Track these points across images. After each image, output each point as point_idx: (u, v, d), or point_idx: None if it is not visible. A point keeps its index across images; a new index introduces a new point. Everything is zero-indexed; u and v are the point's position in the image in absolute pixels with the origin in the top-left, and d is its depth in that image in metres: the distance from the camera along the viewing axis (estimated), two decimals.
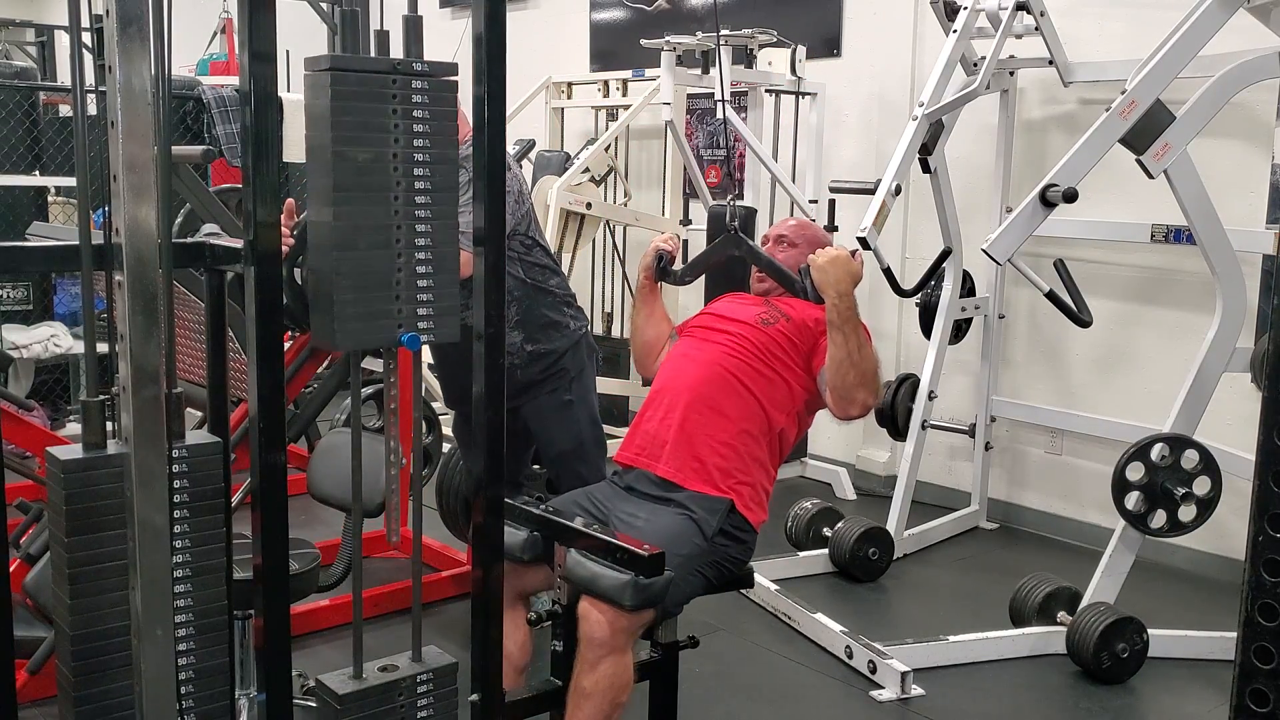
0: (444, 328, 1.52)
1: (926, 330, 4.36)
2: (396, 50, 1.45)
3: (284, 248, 2.72)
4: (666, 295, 3.28)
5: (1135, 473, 3.20)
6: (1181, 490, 3.18)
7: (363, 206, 1.44)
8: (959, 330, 4.47)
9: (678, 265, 2.90)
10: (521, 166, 5.53)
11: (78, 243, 1.42)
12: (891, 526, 4.08)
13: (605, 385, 4.90)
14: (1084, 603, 3.32)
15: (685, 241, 5.23)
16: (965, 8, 3.96)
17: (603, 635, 2.18)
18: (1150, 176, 3.15)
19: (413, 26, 1.51)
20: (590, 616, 2.20)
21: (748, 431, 2.52)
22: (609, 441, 3.24)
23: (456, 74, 1.49)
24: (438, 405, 4.78)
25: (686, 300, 5.26)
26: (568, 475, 3.08)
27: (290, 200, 2.91)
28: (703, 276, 3.21)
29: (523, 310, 2.99)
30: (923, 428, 4.23)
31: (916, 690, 3.12)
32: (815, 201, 4.93)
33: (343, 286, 1.44)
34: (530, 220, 3.03)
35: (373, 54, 1.47)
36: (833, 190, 4.59)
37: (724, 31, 4.74)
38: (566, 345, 3.09)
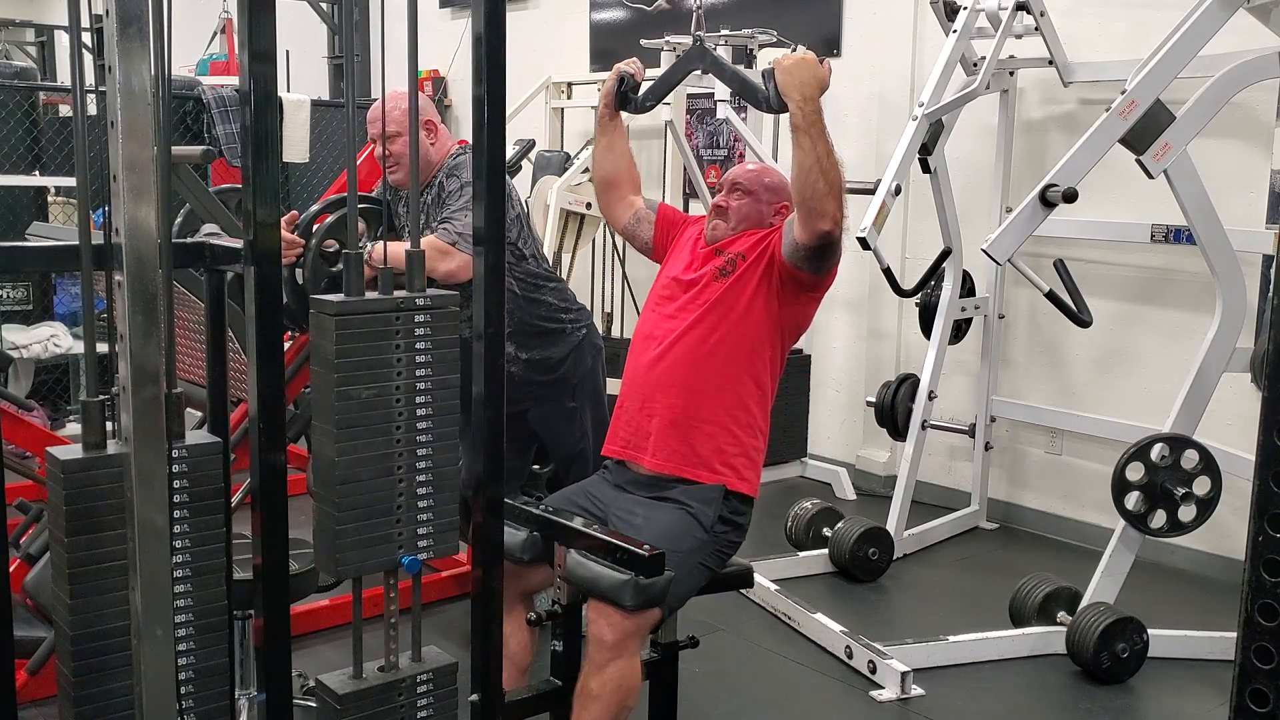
0: (443, 543, 1.56)
1: (926, 330, 4.36)
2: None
3: (294, 254, 2.73)
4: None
5: (1135, 473, 3.20)
6: (1181, 490, 3.18)
7: (366, 440, 1.47)
8: (959, 330, 4.47)
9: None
10: (521, 167, 5.52)
11: (78, 243, 1.42)
12: (891, 526, 4.07)
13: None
14: (1084, 603, 3.31)
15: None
16: (965, 8, 3.96)
17: (611, 638, 2.18)
18: (1150, 176, 3.15)
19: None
20: (598, 620, 2.19)
21: (728, 401, 2.43)
22: None
23: (457, 304, 1.51)
24: None
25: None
26: (575, 476, 3.08)
27: (292, 213, 2.92)
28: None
29: (514, 321, 2.99)
30: (922, 428, 4.22)
31: (916, 690, 3.12)
32: None
33: (344, 519, 1.47)
34: (520, 227, 3.02)
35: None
36: None
37: (724, 31, 4.74)
38: (566, 350, 3.09)
